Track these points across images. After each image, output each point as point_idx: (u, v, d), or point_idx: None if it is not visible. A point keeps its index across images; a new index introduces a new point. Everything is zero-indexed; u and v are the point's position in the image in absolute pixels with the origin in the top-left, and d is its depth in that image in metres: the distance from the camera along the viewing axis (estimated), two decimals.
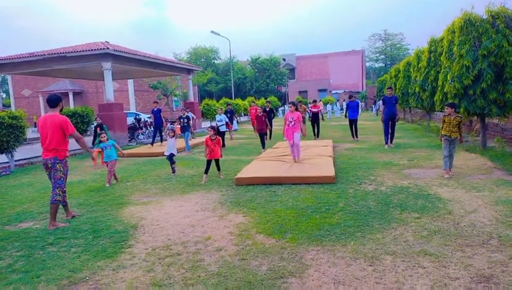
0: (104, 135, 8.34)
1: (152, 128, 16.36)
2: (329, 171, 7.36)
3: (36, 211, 6.12)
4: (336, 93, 52.67)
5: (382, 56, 71.58)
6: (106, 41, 20.03)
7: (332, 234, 4.40)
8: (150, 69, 19.83)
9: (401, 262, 3.57)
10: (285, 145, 12.25)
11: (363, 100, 48.25)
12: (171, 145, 8.86)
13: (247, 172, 7.74)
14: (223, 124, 14.77)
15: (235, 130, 20.04)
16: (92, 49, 15.98)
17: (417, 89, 16.04)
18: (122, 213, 5.76)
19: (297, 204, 5.71)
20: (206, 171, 7.79)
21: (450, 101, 8.65)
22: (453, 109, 7.28)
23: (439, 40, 14.69)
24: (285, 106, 39.52)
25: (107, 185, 7.88)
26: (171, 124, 22.24)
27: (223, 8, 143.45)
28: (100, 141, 8.37)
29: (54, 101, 5.28)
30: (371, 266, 3.53)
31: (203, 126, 25.22)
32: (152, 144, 14.51)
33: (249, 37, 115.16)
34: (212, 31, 32.94)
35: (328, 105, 35.05)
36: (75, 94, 34.62)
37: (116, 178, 8.28)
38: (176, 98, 41.45)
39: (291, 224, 4.81)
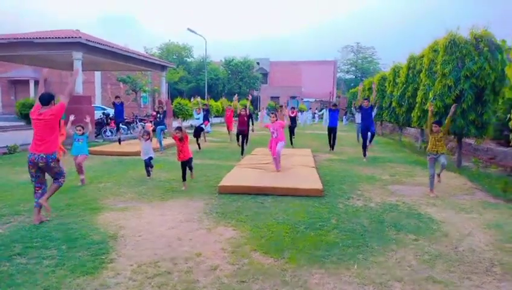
0: (81, 128, 7.70)
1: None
2: (317, 184, 7.15)
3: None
4: (307, 101, 53.22)
5: (353, 68, 73.15)
6: (77, 30, 19.01)
7: (333, 255, 4.14)
8: (122, 62, 18.99)
9: None
10: (264, 152, 12.00)
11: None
12: (146, 148, 8.27)
13: (230, 180, 7.38)
14: (202, 124, 14.39)
15: (208, 132, 19.54)
16: (63, 37, 15.04)
17: (394, 104, 16.29)
18: (97, 220, 5.24)
19: (289, 218, 5.43)
20: (184, 178, 7.33)
21: (436, 119, 8.63)
22: (440, 127, 7.29)
23: (418, 57, 15.00)
24: (262, 110, 39.40)
25: (82, 183, 7.42)
26: (140, 122, 21.50)
27: (197, 8, 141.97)
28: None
29: (46, 99, 5.28)
30: None
31: (173, 126, 24.50)
32: (119, 141, 13.65)
33: (222, 38, 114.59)
34: (188, 29, 32.24)
35: (303, 113, 35.28)
36: (36, 82, 32.72)
37: (82, 180, 7.57)
38: (144, 94, 40.32)
39: (287, 241, 4.52)
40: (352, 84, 71.35)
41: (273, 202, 6.33)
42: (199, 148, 12.97)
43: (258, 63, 56.87)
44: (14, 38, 15.38)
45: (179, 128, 7.38)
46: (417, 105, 13.09)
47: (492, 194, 7.34)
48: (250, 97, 16.30)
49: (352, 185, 7.89)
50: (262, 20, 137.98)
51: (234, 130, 18.60)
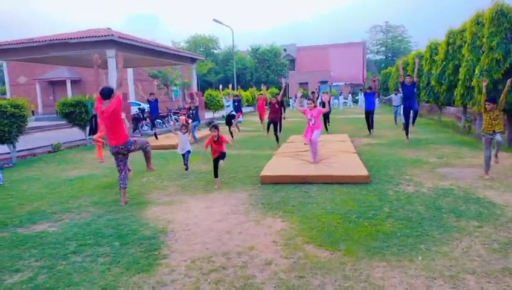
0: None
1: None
2: (362, 170, 6.88)
3: (49, 211, 5.59)
4: (337, 85, 52.03)
5: (383, 48, 70.92)
6: (108, 28, 19.32)
7: (392, 245, 3.92)
8: (153, 58, 19.15)
9: (488, 284, 3.11)
10: (300, 140, 11.76)
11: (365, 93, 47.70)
12: (184, 141, 8.16)
13: (272, 169, 7.23)
14: (232, 111, 14.41)
15: (240, 121, 19.45)
16: (95, 36, 15.28)
17: (433, 83, 15.53)
18: (145, 215, 5.25)
19: (338, 207, 5.23)
20: (216, 175, 6.79)
21: (491, 95, 7.71)
22: (495, 104, 6.73)
23: (458, 31, 14.18)
24: (292, 98, 38.90)
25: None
26: (174, 115, 21.72)
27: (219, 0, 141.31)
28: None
29: (106, 93, 5.54)
30: (454, 288, 3.06)
31: (206, 117, 24.61)
32: (155, 136, 13.71)
33: (247, 28, 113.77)
34: (214, 19, 32.07)
35: (334, 98, 34.60)
36: (73, 82, 33.75)
37: (129, 170, 7.57)
38: (175, 88, 40.80)
39: (340, 232, 4.33)
40: (382, 65, 69.20)
41: (318, 191, 6.13)
42: (232, 136, 12.87)
43: (284, 50, 56.16)
44: (51, 40, 15.78)
45: (215, 127, 6.67)
46: (460, 82, 12.41)
47: None
48: (284, 84, 15.96)
49: (399, 169, 7.55)
50: (286, 6, 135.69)
51: (266, 118, 18.50)
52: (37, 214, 5.46)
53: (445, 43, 14.68)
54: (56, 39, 15.76)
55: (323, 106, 13.75)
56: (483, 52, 11.62)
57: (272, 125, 11.92)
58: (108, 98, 5.51)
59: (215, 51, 55.96)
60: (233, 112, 14.52)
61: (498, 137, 6.68)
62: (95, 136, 10.01)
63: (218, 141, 6.68)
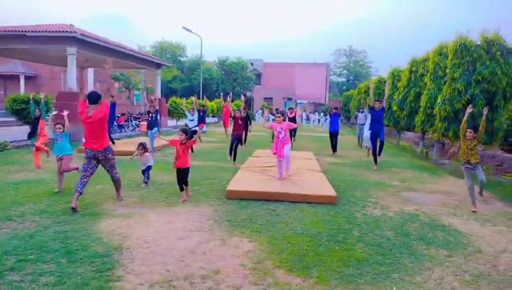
0: (60, 126, 6.81)
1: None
2: (330, 190, 6.76)
3: None
4: (301, 103, 52.90)
5: (345, 71, 73.27)
6: (71, 25, 18.37)
7: (365, 273, 3.74)
8: (117, 59, 18.32)
9: None
10: (266, 154, 11.58)
11: (324, 113, 48.70)
12: (145, 160, 7.48)
13: (238, 184, 6.94)
14: (196, 125, 13.95)
15: (204, 132, 18.95)
16: (57, 31, 14.43)
17: (394, 108, 16.01)
18: (98, 228, 4.76)
19: (307, 229, 5.02)
20: (181, 188, 6.30)
21: (473, 124, 7.02)
22: (475, 134, 6.52)
23: (421, 60, 14.76)
24: (259, 111, 38.85)
25: (59, 189, 6.48)
26: (135, 120, 20.93)
27: (189, 8, 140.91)
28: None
29: (95, 98, 5.58)
30: None
31: (169, 124, 23.94)
32: (112, 141, 12.86)
33: (215, 40, 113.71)
34: (184, 27, 31.67)
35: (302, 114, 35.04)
36: (28, 78, 31.86)
37: (76, 168, 6.85)
38: (137, 92, 39.67)
39: (311, 256, 4.11)
40: (344, 88, 71.44)
41: (285, 210, 5.91)
42: (192, 151, 12.25)
43: (252, 64, 56.43)
44: (6, 31, 14.71)
45: (184, 131, 6.28)
46: (421, 109, 12.84)
47: (511, 204, 7.02)
48: (243, 98, 15.85)
49: (364, 191, 7.52)
50: (255, 23, 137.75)
51: (231, 127, 18.21)
52: None
53: (408, 71, 15.22)
54: (12, 30, 14.71)
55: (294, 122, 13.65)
56: (445, 82, 12.14)
57: (234, 144, 10.59)
58: (95, 102, 5.56)
59: (181, 59, 55.18)
60: (197, 127, 13.78)
61: (481, 175, 6.69)
62: (36, 143, 8.89)
63: (185, 144, 6.26)
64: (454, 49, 10.18)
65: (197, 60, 53.46)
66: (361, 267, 3.89)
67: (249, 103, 50.09)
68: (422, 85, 14.28)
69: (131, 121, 19.99)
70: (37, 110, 10.31)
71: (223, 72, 52.24)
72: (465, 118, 6.70)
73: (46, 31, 14.50)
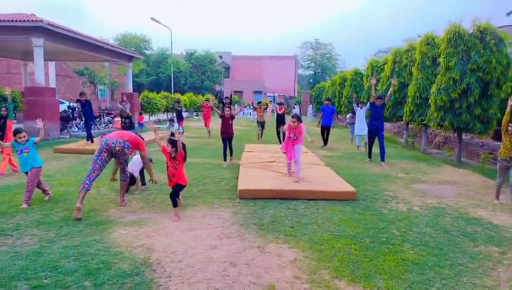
0: (24, 134, 5.56)
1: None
2: (347, 186, 6.42)
3: None
4: (271, 95, 52.71)
5: (313, 64, 73.65)
6: (32, 14, 16.94)
7: (432, 279, 3.40)
8: (87, 52, 17.10)
9: None
10: (259, 149, 11.14)
11: (298, 105, 48.80)
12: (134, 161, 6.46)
13: (248, 183, 6.44)
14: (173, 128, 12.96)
15: (181, 132, 17.38)
16: (21, 20, 13.15)
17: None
18: (112, 239, 4.13)
19: (342, 229, 4.64)
20: (175, 204, 5.00)
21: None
22: None
23: (404, 51, 14.78)
24: (247, 107, 37.80)
25: (24, 205, 5.21)
26: (107, 116, 19.77)
27: None
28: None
29: None
30: None
31: (144, 120, 22.87)
32: (91, 140, 11.84)
33: (181, 32, 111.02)
34: (152, 18, 30.32)
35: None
36: None
37: (46, 192, 5.69)
38: (101, 87, 37.82)
39: (365, 262, 3.72)
40: (311, 80, 71.92)
41: (307, 209, 5.50)
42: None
43: (220, 57, 55.54)
44: None
45: (172, 142, 4.87)
46: (410, 99, 12.80)
47: None
48: (232, 92, 15.25)
49: (375, 185, 7.25)
50: (221, 17, 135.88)
51: (211, 125, 17.55)
52: None
53: (392, 62, 15.18)
54: None
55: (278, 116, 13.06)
56: (432, 72, 12.16)
57: (227, 146, 9.43)
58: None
59: (146, 52, 53.27)
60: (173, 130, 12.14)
61: None
62: (4, 153, 7.32)
63: (175, 158, 4.92)
64: (447, 38, 10.10)
65: (163, 53, 51.87)
66: (424, 271, 3.55)
67: (219, 97, 49.26)
68: (405, 75, 14.31)
69: (103, 117, 18.81)
70: (3, 108, 8.82)
71: (191, 65, 50.97)
72: (508, 109, 5.98)
73: (9, 20, 13.20)
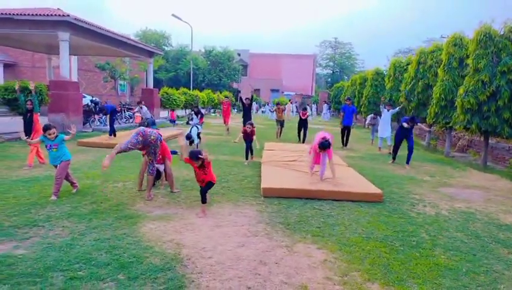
0: (54, 131, 5.60)
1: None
2: (374, 188, 6.33)
3: (7, 224, 4.28)
4: (288, 94, 52.53)
5: (331, 63, 73.00)
6: (59, 9, 17.25)
7: (468, 285, 3.32)
8: (111, 47, 17.37)
9: None
10: (279, 148, 11.10)
11: (315, 104, 48.50)
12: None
13: (271, 181, 6.41)
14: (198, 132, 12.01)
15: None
16: (49, 15, 13.41)
17: (401, 100, 15.70)
18: (142, 233, 4.17)
19: (370, 231, 4.57)
20: (204, 201, 5.03)
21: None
22: None
23: (429, 51, 14.50)
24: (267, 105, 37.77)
25: (54, 197, 5.29)
26: (128, 111, 20.03)
27: None
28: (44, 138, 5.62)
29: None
30: None
31: (161, 115, 23.14)
32: (114, 134, 11.97)
33: (200, 29, 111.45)
34: (173, 14, 30.58)
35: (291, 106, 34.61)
36: (6, 66, 30.16)
37: (74, 185, 5.80)
38: (121, 82, 38.30)
39: (396, 265, 3.65)
40: (329, 80, 71.32)
41: (333, 209, 5.45)
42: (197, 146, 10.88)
43: (238, 54, 55.59)
44: None
45: (197, 157, 4.77)
46: (434, 101, 12.54)
47: None
48: (253, 91, 15.28)
49: (400, 187, 7.13)
50: (238, 13, 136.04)
51: (230, 123, 17.58)
52: None
53: (416, 62, 14.90)
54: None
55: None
56: (458, 73, 11.89)
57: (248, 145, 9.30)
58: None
59: (166, 48, 53.72)
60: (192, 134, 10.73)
61: None
62: (29, 142, 6.64)
63: (203, 167, 4.93)
64: (477, 39, 9.86)
65: (182, 50, 52.24)
66: (458, 277, 3.47)
67: (235, 95, 49.30)
68: (430, 77, 14.03)
69: (124, 112, 19.06)
70: (28, 102, 8.54)
71: (209, 62, 51.15)
72: None
73: (36, 14, 13.47)
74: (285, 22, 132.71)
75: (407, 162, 9.35)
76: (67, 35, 13.87)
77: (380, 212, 5.42)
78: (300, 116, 14.35)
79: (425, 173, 8.76)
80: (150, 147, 5.55)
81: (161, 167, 6.38)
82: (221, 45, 55.76)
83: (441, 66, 12.50)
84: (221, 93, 36.38)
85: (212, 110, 35.25)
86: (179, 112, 27.41)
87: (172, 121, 20.52)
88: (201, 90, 35.85)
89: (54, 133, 5.59)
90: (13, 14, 13.51)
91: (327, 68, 74.37)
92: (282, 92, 54.59)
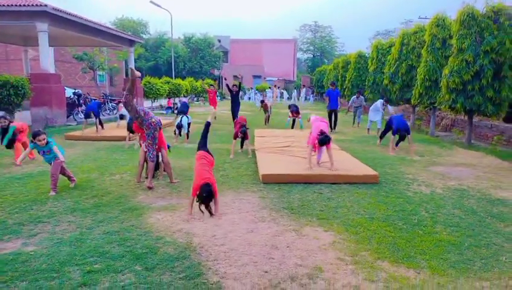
0: (44, 137, 5.35)
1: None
2: (370, 169, 6.48)
3: (11, 221, 4.22)
4: (271, 80, 52.44)
5: (311, 47, 72.99)
6: None
7: (472, 259, 3.48)
8: (89, 37, 16.88)
9: None
10: (269, 134, 11.15)
11: (297, 89, 48.59)
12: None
13: (269, 168, 6.48)
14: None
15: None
16: (24, 5, 12.92)
17: (385, 82, 15.92)
18: (150, 225, 4.19)
19: (372, 212, 4.71)
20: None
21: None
22: None
23: (411, 33, 14.67)
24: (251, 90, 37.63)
25: (53, 193, 5.23)
26: (111, 102, 19.64)
27: None
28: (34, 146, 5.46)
29: None
30: None
31: (144, 105, 22.77)
32: (101, 126, 11.67)
33: (178, 15, 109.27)
34: (151, 1, 29.86)
35: (268, 91, 34.56)
36: None
37: (71, 179, 5.72)
38: (100, 73, 37.43)
39: (402, 243, 3.79)
40: (310, 64, 71.40)
41: (333, 192, 5.57)
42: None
43: (219, 41, 54.98)
44: None
45: (209, 200, 4.36)
46: (419, 82, 12.77)
47: None
48: (240, 78, 15.26)
49: (393, 168, 7.32)
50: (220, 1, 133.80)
51: (217, 109, 17.56)
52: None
53: (399, 44, 15.07)
54: None
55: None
56: (442, 54, 12.12)
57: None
58: None
59: (144, 36, 52.61)
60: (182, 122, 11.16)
61: None
62: (19, 161, 5.99)
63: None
64: (460, 20, 10.03)
65: (161, 38, 51.31)
66: (462, 251, 3.63)
67: (218, 81, 48.88)
68: (414, 58, 14.24)
69: (107, 103, 18.69)
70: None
71: (189, 49, 50.42)
72: None
73: (12, 5, 12.97)
74: (265, 6, 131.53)
75: (397, 145, 9.36)
76: (46, 26, 13.42)
77: (377, 193, 5.57)
78: (290, 116, 13.18)
79: (414, 153, 8.98)
80: (149, 129, 5.69)
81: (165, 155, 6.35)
82: (201, 31, 55.05)
83: (425, 47, 12.69)
84: (203, 81, 36.08)
85: (195, 99, 34.88)
86: (162, 102, 27.03)
87: (169, 108, 21.04)
88: (183, 78, 35.45)
89: (44, 139, 5.35)
90: None
91: (308, 52, 74.35)
92: (265, 78, 54.46)
